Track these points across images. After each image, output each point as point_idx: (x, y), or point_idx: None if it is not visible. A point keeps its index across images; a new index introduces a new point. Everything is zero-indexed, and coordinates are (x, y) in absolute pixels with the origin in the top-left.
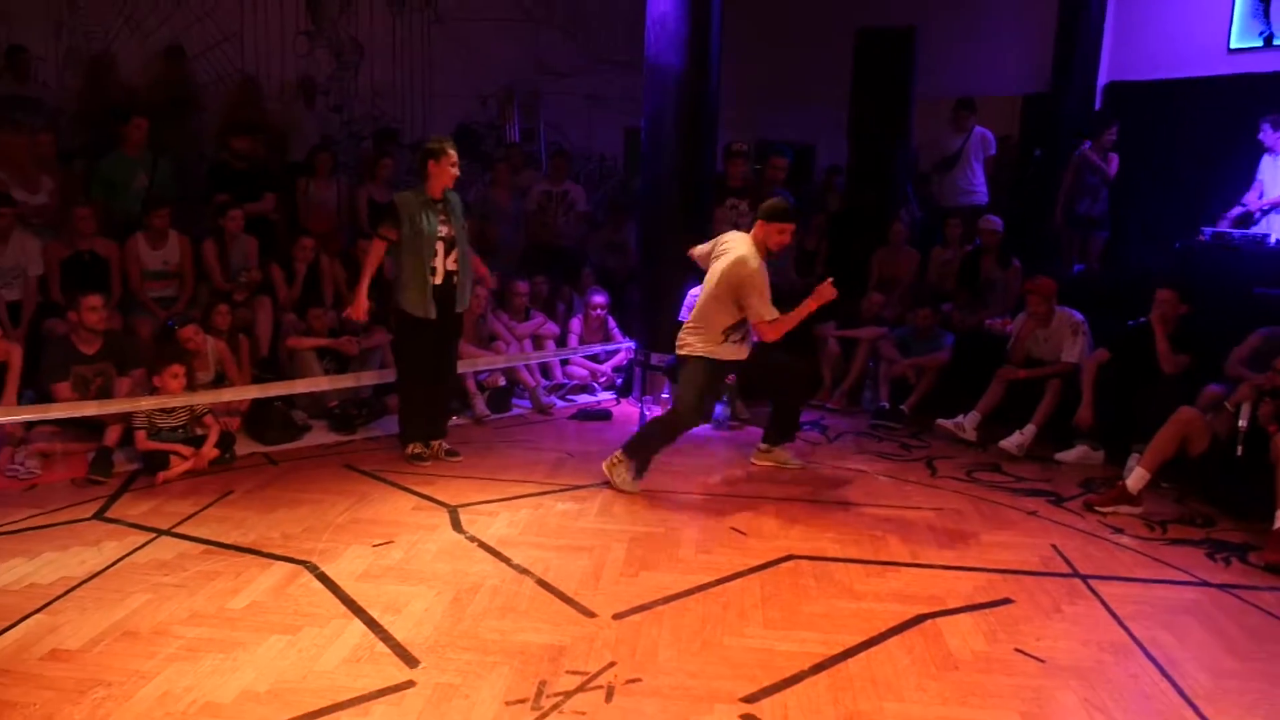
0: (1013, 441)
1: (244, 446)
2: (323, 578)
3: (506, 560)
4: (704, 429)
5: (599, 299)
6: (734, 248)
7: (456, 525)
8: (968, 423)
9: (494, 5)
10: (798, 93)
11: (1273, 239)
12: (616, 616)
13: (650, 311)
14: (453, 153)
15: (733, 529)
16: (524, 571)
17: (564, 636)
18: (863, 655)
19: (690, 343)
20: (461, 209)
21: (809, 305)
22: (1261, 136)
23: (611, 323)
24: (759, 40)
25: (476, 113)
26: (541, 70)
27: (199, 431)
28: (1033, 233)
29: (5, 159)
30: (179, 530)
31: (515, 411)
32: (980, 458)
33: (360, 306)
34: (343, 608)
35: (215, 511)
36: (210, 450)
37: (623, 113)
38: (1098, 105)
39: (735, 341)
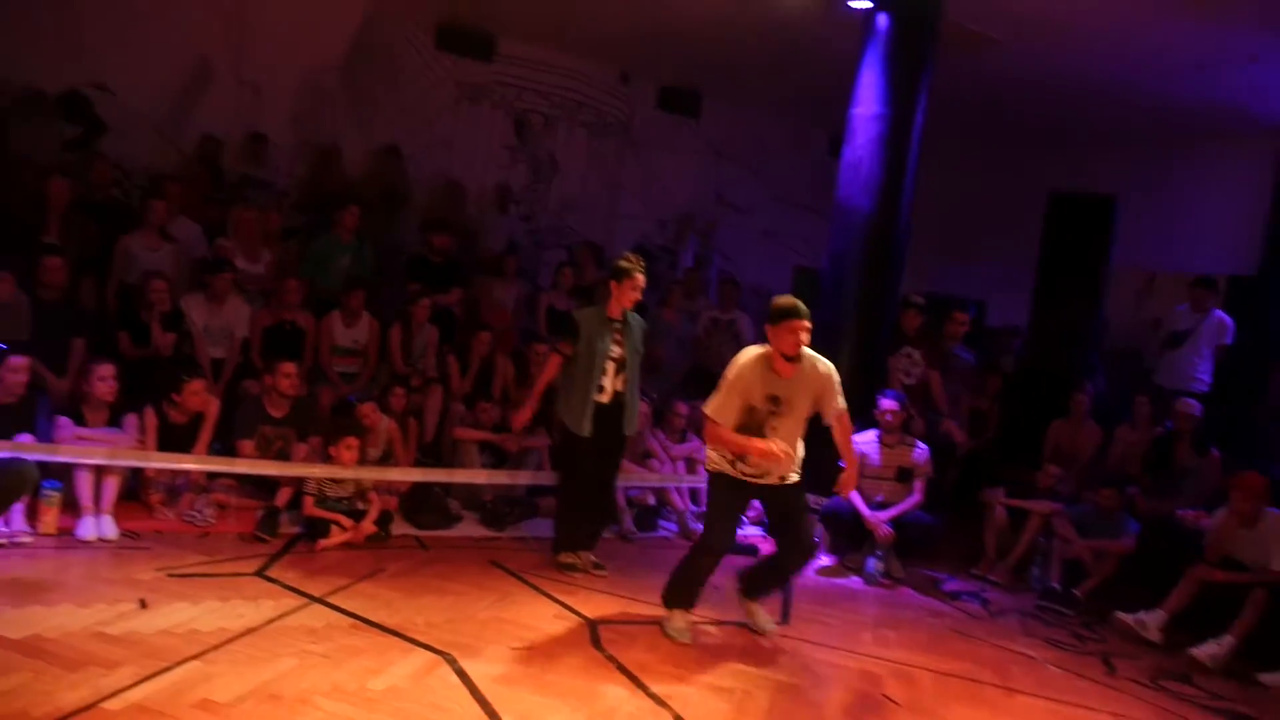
0: (1206, 651)
1: (398, 527)
2: (461, 674)
3: (645, 687)
4: (854, 581)
5: None
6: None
7: (596, 641)
8: (1151, 621)
9: (684, 137)
10: (973, 248)
11: None
12: None
13: (809, 452)
14: (640, 277)
15: (885, 696)
16: (662, 703)
17: None
18: None
19: (709, 455)
20: (641, 333)
21: (757, 446)
22: None
23: None
24: (943, 193)
25: (654, 234)
26: (721, 203)
27: (360, 506)
28: (1231, 424)
29: (236, 230)
30: (331, 599)
31: (661, 533)
32: (1166, 663)
33: (523, 417)
34: (478, 709)
35: (365, 587)
36: (369, 525)
37: (794, 251)
38: None
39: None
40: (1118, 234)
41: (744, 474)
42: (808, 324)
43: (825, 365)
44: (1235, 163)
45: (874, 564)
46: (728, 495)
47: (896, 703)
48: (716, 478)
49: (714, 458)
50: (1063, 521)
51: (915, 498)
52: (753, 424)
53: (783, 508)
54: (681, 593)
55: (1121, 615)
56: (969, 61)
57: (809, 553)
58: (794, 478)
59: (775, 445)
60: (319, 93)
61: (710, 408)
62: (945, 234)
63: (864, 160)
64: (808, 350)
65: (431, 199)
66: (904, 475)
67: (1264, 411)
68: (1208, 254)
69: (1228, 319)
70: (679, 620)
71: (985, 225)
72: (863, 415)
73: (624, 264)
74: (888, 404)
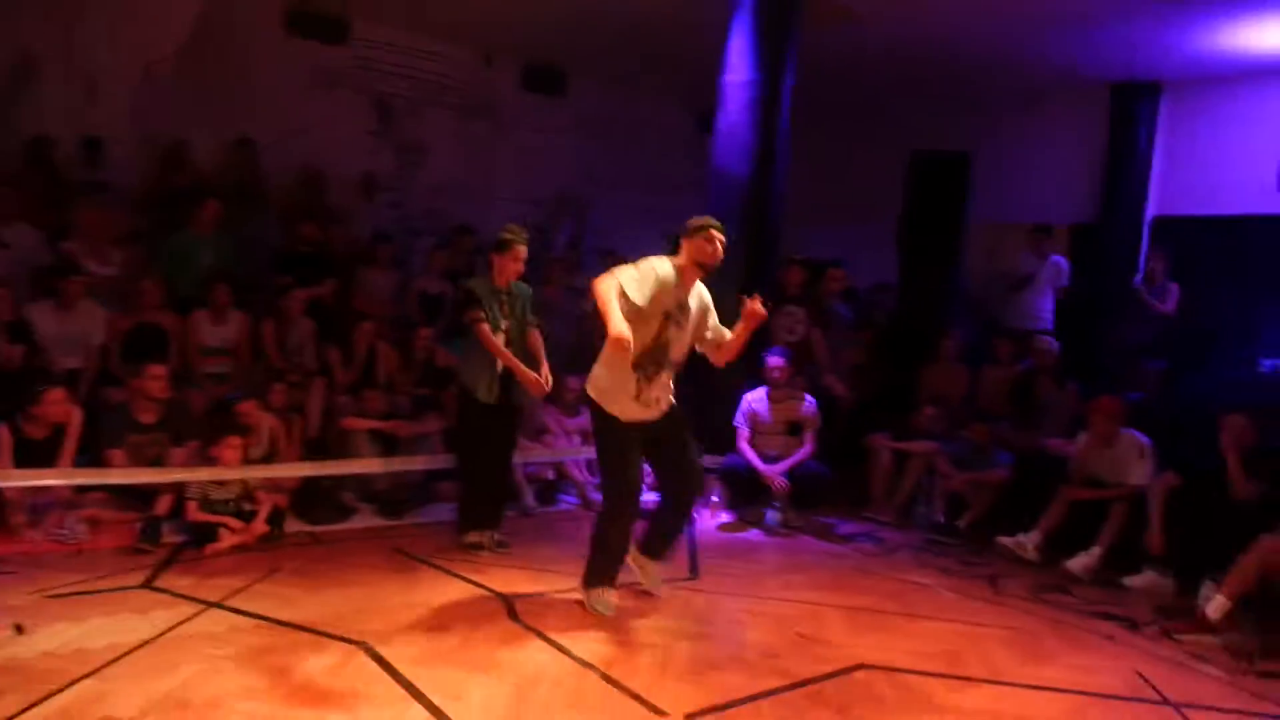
0: (1078, 563)
1: (291, 525)
2: (379, 659)
3: (567, 652)
4: (755, 534)
5: None
6: None
7: (512, 614)
8: (1029, 542)
9: (552, 117)
10: (841, 211)
11: None
12: (689, 717)
13: (702, 414)
14: (521, 248)
15: (798, 634)
16: (586, 665)
17: None
18: None
19: (594, 392)
20: (527, 302)
21: (615, 325)
22: None
23: None
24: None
25: (530, 215)
26: (593, 180)
27: (248, 507)
28: (1081, 360)
29: (82, 232)
30: (229, 603)
31: (561, 506)
32: (1045, 578)
33: (541, 379)
34: (401, 691)
35: (264, 587)
36: (261, 525)
37: (668, 224)
38: (1144, 237)
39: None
40: (973, 190)
41: (633, 416)
42: (722, 235)
43: (702, 286)
44: (1073, 118)
45: (772, 515)
46: (620, 439)
47: (810, 638)
48: (605, 423)
49: (601, 390)
50: (942, 459)
51: (806, 448)
52: (654, 337)
53: (669, 440)
54: (601, 568)
55: (1002, 539)
56: (833, 30)
57: (700, 483)
58: (671, 400)
59: (752, 313)
60: (159, 85)
61: (623, 276)
62: (815, 199)
63: (738, 126)
64: None
65: (292, 190)
66: (794, 429)
67: (1109, 346)
68: (1053, 205)
69: (1064, 262)
70: (606, 595)
71: (852, 188)
72: (751, 374)
73: (506, 235)
74: (775, 361)
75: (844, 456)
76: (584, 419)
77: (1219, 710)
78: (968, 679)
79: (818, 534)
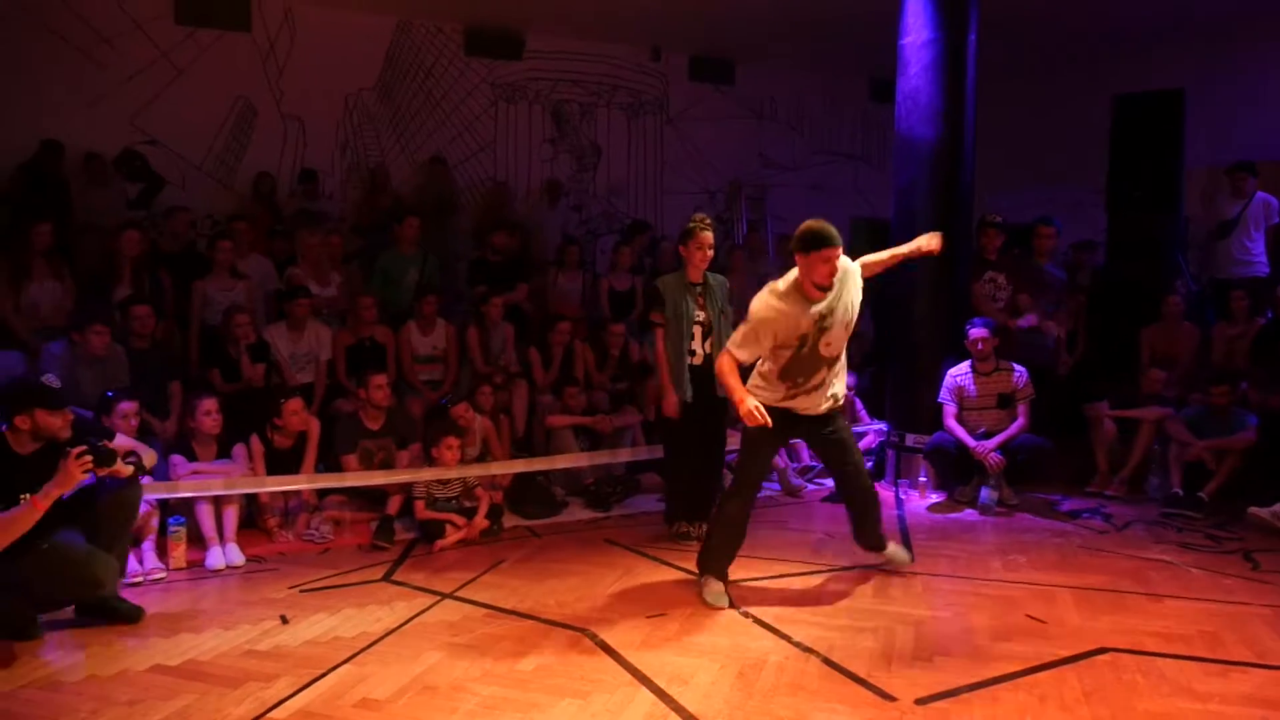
0: None
1: (508, 520)
2: (604, 646)
3: (787, 638)
4: (969, 513)
5: (850, 380)
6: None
7: (732, 602)
8: None
9: (721, 105)
10: (1040, 171)
11: None
12: (919, 702)
13: (905, 392)
14: (705, 235)
15: (1029, 616)
16: (808, 650)
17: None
18: None
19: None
20: (725, 293)
21: (742, 401)
22: None
23: (859, 405)
24: (1003, 118)
25: (705, 206)
26: (767, 164)
27: (468, 504)
28: None
29: (304, 257)
30: (461, 594)
31: (764, 493)
32: None
33: (671, 402)
34: (628, 676)
35: (491, 578)
36: (481, 521)
37: (848, 203)
38: None
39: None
40: (1189, 129)
41: (790, 406)
42: (840, 250)
43: (845, 261)
44: None
45: (987, 493)
46: (765, 432)
47: (1043, 621)
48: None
49: (761, 384)
50: (1176, 425)
51: (1021, 421)
52: (803, 353)
53: (830, 439)
54: (716, 557)
55: (1255, 510)
56: None
57: (867, 477)
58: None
59: (756, 409)
60: (360, 115)
61: (733, 340)
62: (1010, 159)
63: (921, 89)
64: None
65: (481, 203)
66: (1005, 401)
67: None
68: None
69: (1273, 199)
70: (712, 585)
71: (1050, 144)
72: (955, 348)
73: (690, 224)
74: (978, 332)
75: (1062, 428)
76: None
77: None
78: (1231, 663)
79: (1038, 512)
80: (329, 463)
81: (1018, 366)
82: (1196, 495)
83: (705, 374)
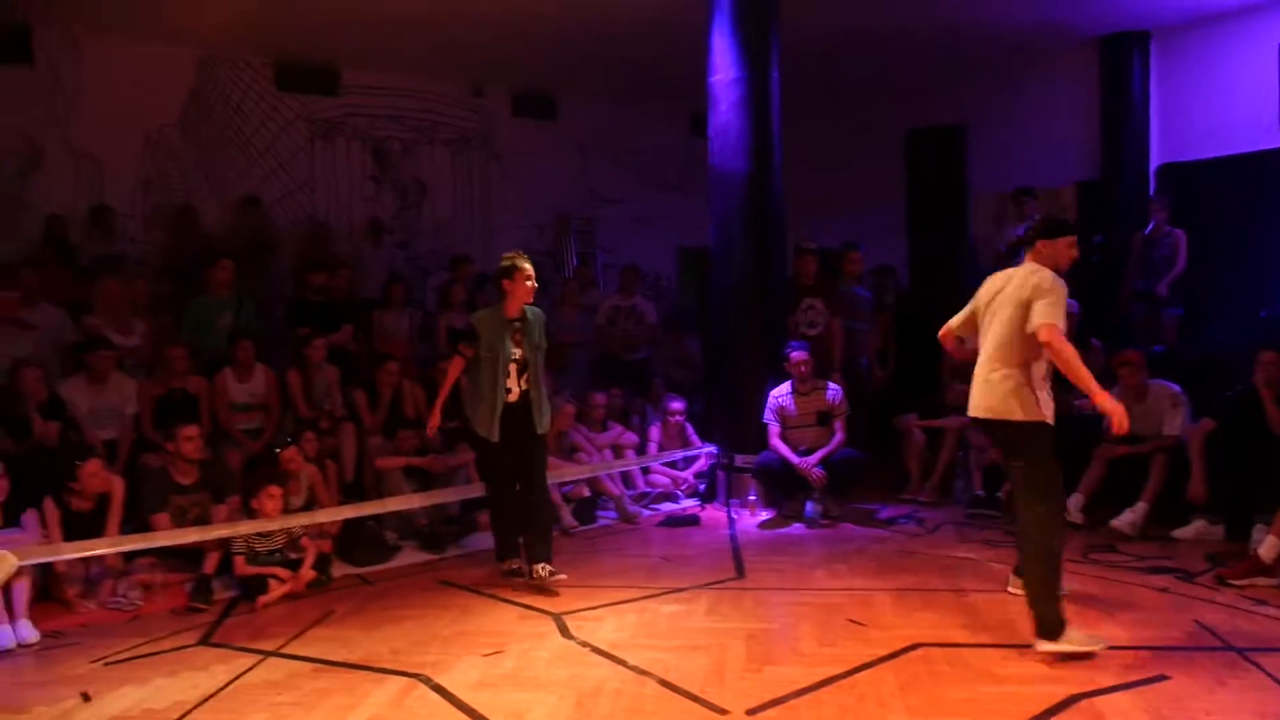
0: (1125, 520)
1: (337, 569)
2: (439, 689)
3: (623, 662)
4: (796, 528)
5: (677, 405)
6: (1019, 272)
7: (564, 632)
8: (1072, 504)
9: (546, 141)
10: (845, 199)
11: None
12: (750, 712)
13: (732, 415)
14: (526, 267)
15: (851, 620)
16: (644, 673)
17: None
18: None
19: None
20: (541, 327)
21: (1099, 395)
22: None
23: (689, 429)
24: (806, 150)
25: (534, 241)
26: (593, 198)
27: (294, 555)
28: (1103, 317)
29: (102, 305)
30: (286, 651)
31: (601, 522)
32: (1092, 539)
33: (433, 424)
34: (464, 716)
35: (319, 631)
36: (308, 572)
37: (672, 233)
38: (1152, 188)
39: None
40: (971, 160)
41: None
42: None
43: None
44: (1065, 76)
45: (812, 508)
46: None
47: (862, 624)
48: (1039, 428)
49: (1030, 403)
50: (974, 432)
51: (839, 437)
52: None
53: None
54: (1052, 595)
55: None
56: (813, 17)
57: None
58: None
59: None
60: (162, 152)
61: (1050, 317)
62: (818, 190)
63: (731, 124)
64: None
65: (300, 243)
66: (823, 419)
67: (1124, 302)
68: (1056, 167)
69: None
70: (1073, 632)
71: (853, 174)
72: (775, 370)
73: (506, 261)
74: (799, 355)
75: (877, 440)
76: (612, 434)
77: (1274, 650)
78: (1025, 646)
79: (859, 521)
80: (137, 523)
81: (832, 385)
82: (995, 495)
83: (522, 410)
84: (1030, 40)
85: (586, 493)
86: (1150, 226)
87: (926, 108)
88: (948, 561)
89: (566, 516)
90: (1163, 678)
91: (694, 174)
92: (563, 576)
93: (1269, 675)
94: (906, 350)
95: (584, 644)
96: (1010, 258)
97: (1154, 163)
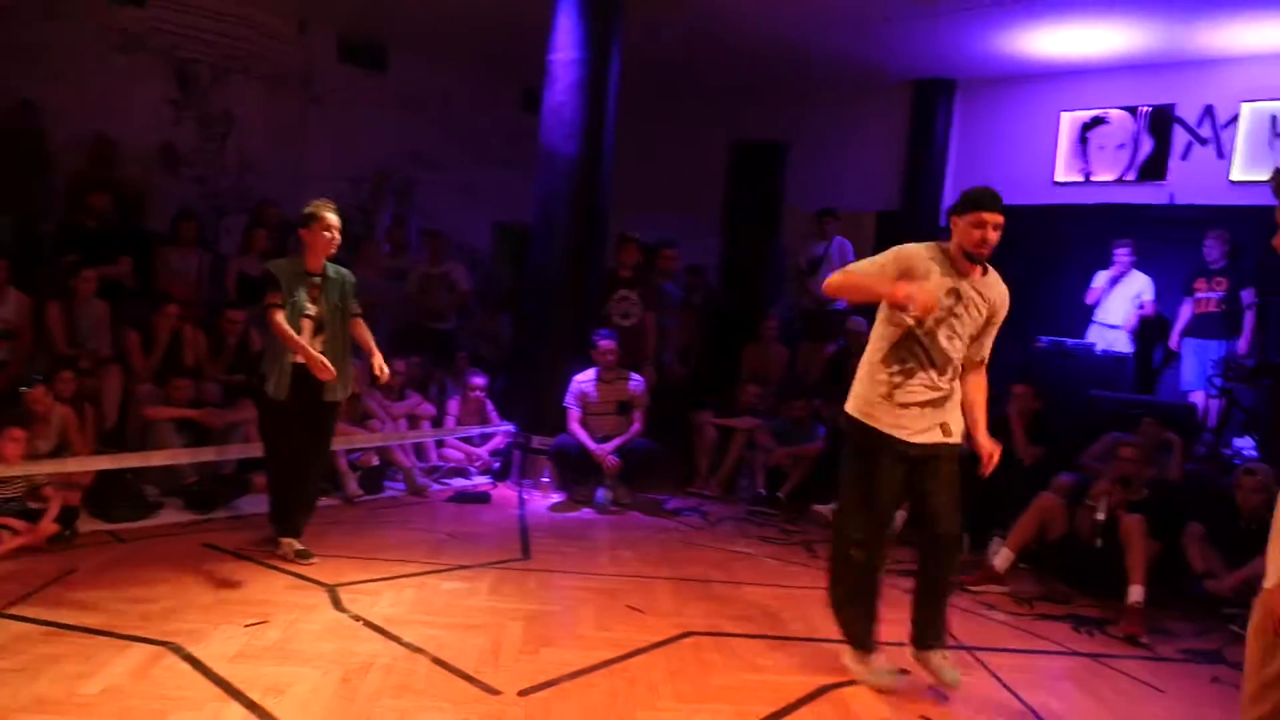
0: (827, 508)
1: (86, 525)
2: (190, 659)
3: (397, 639)
4: (586, 512)
5: (479, 380)
6: None
7: (337, 604)
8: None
9: (372, 92)
10: (668, 198)
11: (1098, 348)
12: (522, 693)
13: (534, 396)
14: (329, 218)
15: (629, 607)
16: (417, 650)
17: (468, 715)
18: None
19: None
20: (347, 288)
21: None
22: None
23: (489, 405)
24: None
25: (347, 195)
26: (416, 160)
27: (34, 505)
28: None
29: None
30: (12, 611)
31: (388, 493)
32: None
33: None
34: (217, 690)
35: (56, 591)
36: (49, 525)
37: (493, 208)
38: (942, 223)
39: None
40: (790, 178)
41: (894, 429)
42: (1000, 219)
43: (1003, 288)
44: (880, 112)
45: (603, 494)
46: (871, 459)
47: (640, 610)
48: (857, 430)
49: (860, 400)
50: (763, 433)
51: (636, 427)
52: (915, 333)
53: (928, 483)
54: (858, 629)
55: (817, 507)
56: (657, 19)
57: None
58: (955, 436)
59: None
60: None
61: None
62: (642, 185)
63: (566, 105)
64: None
65: (82, 161)
66: (624, 408)
67: None
68: (862, 193)
69: (848, 243)
70: (866, 661)
71: (678, 175)
72: (582, 356)
73: (309, 209)
74: (607, 344)
75: (672, 434)
76: (410, 403)
77: (1007, 651)
78: (787, 638)
79: (647, 510)
80: None
81: (635, 376)
82: (775, 495)
83: (310, 374)
84: (852, 75)
85: (375, 461)
86: None
87: (753, 122)
88: (727, 554)
89: (352, 485)
90: (905, 672)
91: (520, 150)
92: (315, 560)
93: (992, 673)
94: (709, 349)
95: (357, 618)
96: (809, 274)
97: (946, 201)
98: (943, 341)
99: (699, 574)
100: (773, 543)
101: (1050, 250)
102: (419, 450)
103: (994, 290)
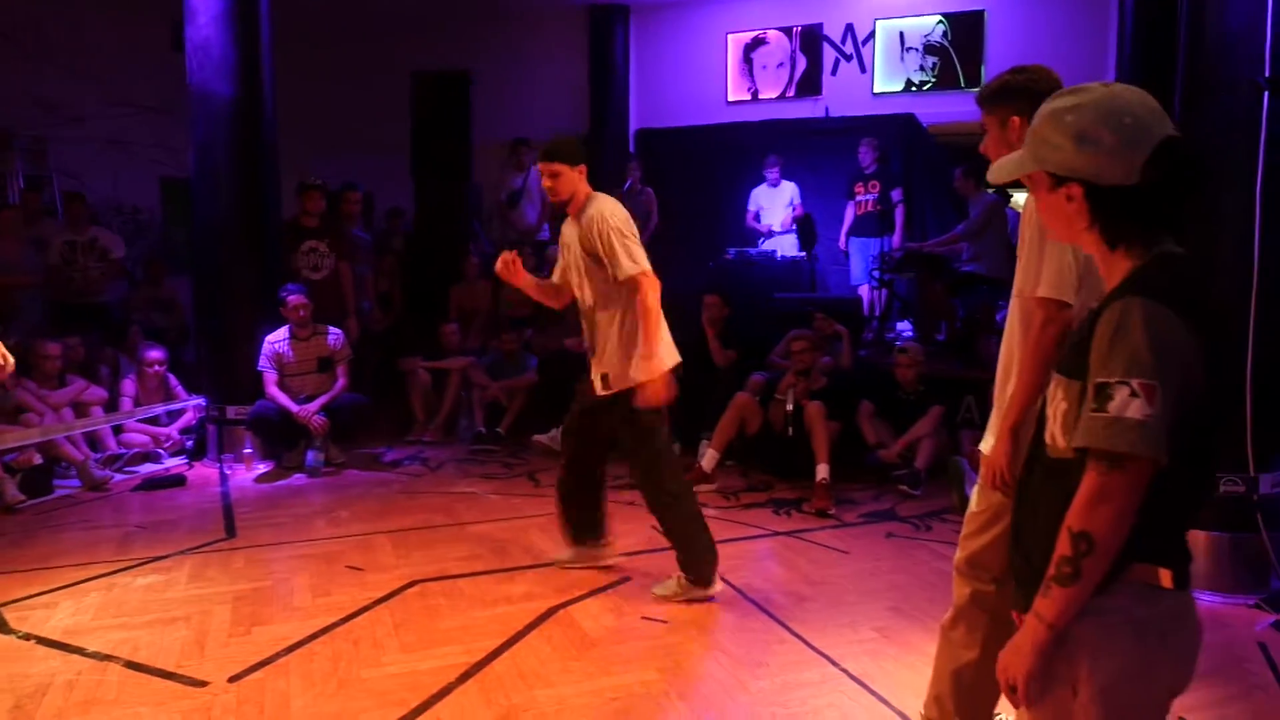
0: (548, 435)
1: None
2: None
3: (80, 650)
4: (298, 478)
5: (155, 354)
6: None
7: (3, 627)
8: (559, 434)
9: None
10: (355, 138)
11: (778, 255)
12: (233, 679)
13: (223, 364)
14: None
15: (348, 567)
16: (107, 657)
17: (173, 714)
18: (506, 655)
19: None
20: None
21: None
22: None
23: (173, 380)
24: (310, 88)
25: None
26: (47, 111)
27: None
28: None
29: None
30: None
31: (60, 493)
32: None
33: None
34: None
35: None
36: None
37: (155, 161)
38: (631, 148)
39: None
40: (477, 109)
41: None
42: (552, 168)
43: (589, 213)
44: (560, 37)
45: (314, 456)
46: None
47: (360, 569)
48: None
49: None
50: (477, 370)
51: (341, 382)
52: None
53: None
54: (705, 561)
55: (538, 437)
56: None
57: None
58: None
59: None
60: None
61: (638, 265)
62: (325, 125)
63: (212, 40)
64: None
65: None
66: (325, 365)
67: None
68: (549, 120)
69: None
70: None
71: (361, 113)
72: (271, 315)
73: None
74: (296, 299)
75: (384, 384)
76: (73, 389)
77: (719, 543)
78: (514, 569)
79: (364, 466)
80: None
81: (333, 330)
82: (496, 430)
83: None
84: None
85: (38, 459)
86: (627, 184)
87: (433, 51)
88: (450, 498)
89: (10, 490)
90: (626, 579)
91: (176, 94)
92: None
93: None
94: (411, 293)
95: (27, 636)
96: (510, 206)
97: (633, 126)
98: (577, 293)
99: (421, 521)
100: (496, 479)
101: (729, 167)
102: (93, 440)
103: (574, 228)
